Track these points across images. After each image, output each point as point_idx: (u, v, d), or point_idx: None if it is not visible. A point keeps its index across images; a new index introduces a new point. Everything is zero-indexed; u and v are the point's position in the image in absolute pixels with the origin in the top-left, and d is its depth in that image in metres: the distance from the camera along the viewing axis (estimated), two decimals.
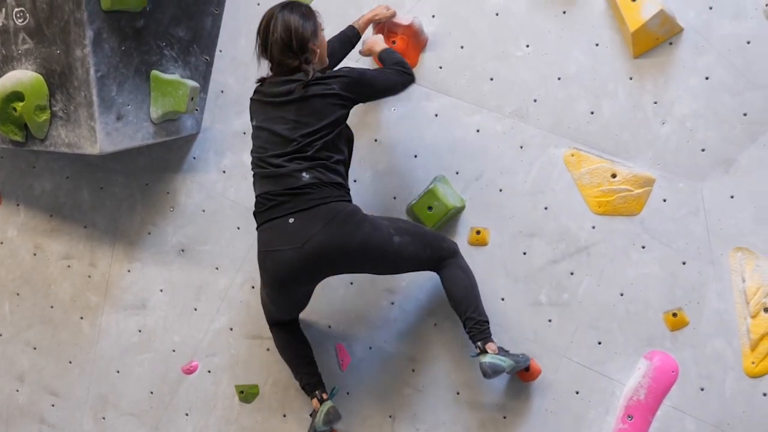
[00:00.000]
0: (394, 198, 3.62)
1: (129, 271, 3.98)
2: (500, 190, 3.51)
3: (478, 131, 3.54)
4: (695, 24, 3.29)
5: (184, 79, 3.68)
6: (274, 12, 3.16)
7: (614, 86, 3.38)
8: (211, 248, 3.88)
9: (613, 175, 3.38)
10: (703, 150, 3.29)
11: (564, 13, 3.44)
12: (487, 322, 3.24)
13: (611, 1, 3.34)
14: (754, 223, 3.23)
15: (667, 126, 3.33)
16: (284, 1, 3.22)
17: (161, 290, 3.94)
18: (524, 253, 3.47)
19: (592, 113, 3.41)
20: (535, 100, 3.47)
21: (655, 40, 3.30)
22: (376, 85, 3.21)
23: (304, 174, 3.06)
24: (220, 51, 3.86)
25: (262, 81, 3.25)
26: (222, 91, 3.87)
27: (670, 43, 3.32)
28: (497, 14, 3.51)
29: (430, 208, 3.50)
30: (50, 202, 4.09)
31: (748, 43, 3.23)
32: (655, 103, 3.34)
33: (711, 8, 3.27)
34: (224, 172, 3.86)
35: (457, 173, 3.55)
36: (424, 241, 3.22)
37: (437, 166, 3.58)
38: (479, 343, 3.19)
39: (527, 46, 3.48)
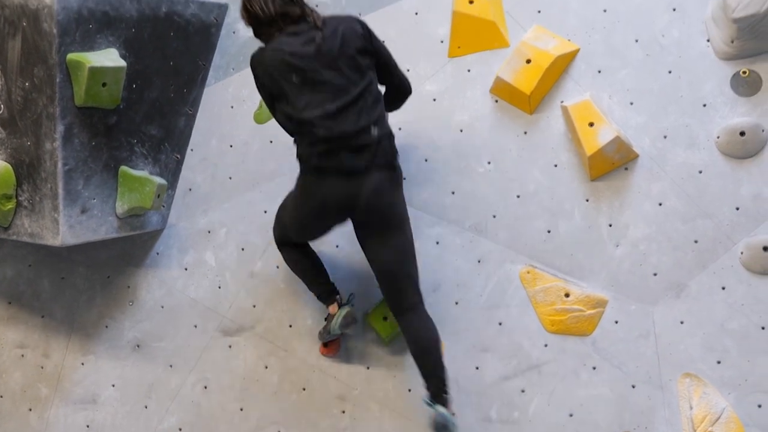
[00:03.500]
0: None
1: (83, 364, 3.94)
2: (456, 303, 3.53)
3: (437, 243, 3.58)
4: (650, 151, 3.39)
5: (152, 176, 3.72)
6: None
7: (571, 207, 3.46)
8: (167, 345, 3.85)
9: (567, 295, 3.41)
10: (655, 274, 3.34)
11: (525, 133, 3.53)
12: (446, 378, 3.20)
13: (570, 125, 3.44)
14: (702, 350, 3.25)
15: (621, 248, 3.38)
16: None
17: (113, 385, 3.90)
18: (477, 368, 3.47)
19: (548, 232, 3.47)
20: (494, 216, 3.54)
21: (611, 164, 3.39)
22: (390, 56, 3.27)
23: (373, 128, 3.10)
24: (191, 150, 3.93)
25: (265, 42, 3.16)
26: (190, 189, 3.92)
27: (626, 168, 3.41)
28: (461, 131, 3.61)
29: (385, 318, 3.51)
30: (10, 289, 4.08)
31: (700, 172, 3.32)
32: (610, 225, 3.41)
33: (665, 137, 3.37)
34: (186, 269, 3.87)
35: None
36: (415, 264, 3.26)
37: None
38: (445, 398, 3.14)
39: (489, 162, 3.57)
